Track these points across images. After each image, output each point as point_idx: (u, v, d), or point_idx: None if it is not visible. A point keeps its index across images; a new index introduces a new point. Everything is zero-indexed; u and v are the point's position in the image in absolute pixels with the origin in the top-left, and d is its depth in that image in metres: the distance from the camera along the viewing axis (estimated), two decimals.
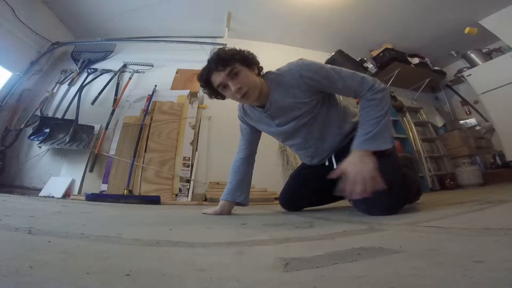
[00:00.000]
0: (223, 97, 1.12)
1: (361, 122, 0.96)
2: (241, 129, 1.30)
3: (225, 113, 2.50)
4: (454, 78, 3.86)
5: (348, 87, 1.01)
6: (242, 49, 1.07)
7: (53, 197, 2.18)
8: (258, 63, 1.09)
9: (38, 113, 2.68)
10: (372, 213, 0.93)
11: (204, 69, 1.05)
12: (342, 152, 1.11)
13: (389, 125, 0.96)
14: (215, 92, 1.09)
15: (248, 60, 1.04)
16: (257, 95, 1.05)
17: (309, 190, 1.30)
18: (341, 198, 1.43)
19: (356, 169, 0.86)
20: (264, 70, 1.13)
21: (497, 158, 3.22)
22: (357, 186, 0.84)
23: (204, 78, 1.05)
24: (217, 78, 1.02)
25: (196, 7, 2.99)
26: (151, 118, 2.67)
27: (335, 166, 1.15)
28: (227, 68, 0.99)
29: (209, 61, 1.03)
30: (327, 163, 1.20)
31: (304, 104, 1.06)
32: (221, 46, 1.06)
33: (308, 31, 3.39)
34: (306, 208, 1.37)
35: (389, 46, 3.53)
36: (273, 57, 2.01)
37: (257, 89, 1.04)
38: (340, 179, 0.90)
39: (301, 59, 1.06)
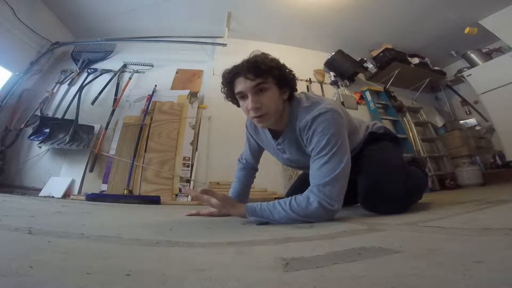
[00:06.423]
0: (238, 105, 0.98)
1: (278, 201, 0.85)
2: (247, 138, 1.24)
3: (225, 113, 2.50)
4: (454, 78, 3.86)
5: (313, 167, 0.85)
6: (285, 66, 0.93)
7: (53, 197, 2.18)
8: (293, 88, 0.95)
9: (38, 113, 2.68)
10: (378, 209, 0.93)
11: (233, 69, 0.90)
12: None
13: (275, 218, 0.82)
14: (233, 97, 0.96)
15: (284, 81, 0.91)
16: (273, 122, 0.94)
17: None
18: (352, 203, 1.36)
19: (226, 205, 0.88)
20: None
21: (497, 158, 3.23)
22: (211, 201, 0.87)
23: (229, 78, 0.92)
24: (241, 84, 0.88)
25: (196, 7, 2.99)
26: (151, 118, 2.67)
27: None
28: (257, 80, 0.86)
29: (243, 63, 0.88)
30: None
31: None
32: (263, 51, 0.92)
33: (308, 31, 3.40)
34: None
35: (389, 46, 3.53)
36: None
37: (275, 116, 0.93)
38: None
39: (327, 110, 0.87)
